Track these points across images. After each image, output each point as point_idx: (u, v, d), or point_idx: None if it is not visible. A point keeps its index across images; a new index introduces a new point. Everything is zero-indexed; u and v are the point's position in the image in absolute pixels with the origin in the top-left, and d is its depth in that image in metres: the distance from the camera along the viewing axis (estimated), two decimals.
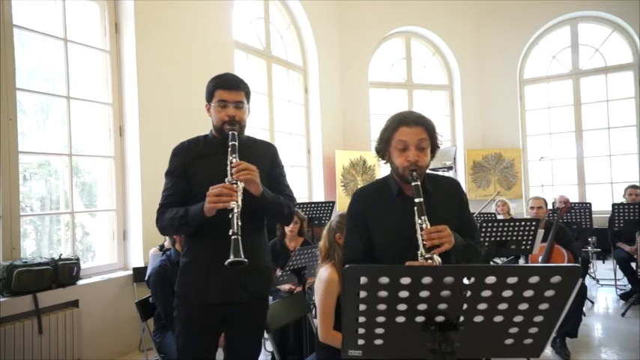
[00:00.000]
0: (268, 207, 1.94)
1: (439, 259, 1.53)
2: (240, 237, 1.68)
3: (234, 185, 1.77)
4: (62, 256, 3.39)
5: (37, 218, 3.88)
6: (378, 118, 8.19)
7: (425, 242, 1.54)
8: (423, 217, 1.58)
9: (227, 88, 1.96)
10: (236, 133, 1.90)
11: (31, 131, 3.87)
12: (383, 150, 1.79)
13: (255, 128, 6.07)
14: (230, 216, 1.70)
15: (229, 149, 1.85)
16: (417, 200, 1.61)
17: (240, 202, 1.73)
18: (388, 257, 1.70)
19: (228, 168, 1.81)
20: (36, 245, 3.86)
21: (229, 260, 1.63)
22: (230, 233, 1.68)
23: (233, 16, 5.41)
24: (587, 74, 8.19)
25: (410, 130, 1.69)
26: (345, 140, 7.56)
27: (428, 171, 1.81)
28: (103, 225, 4.12)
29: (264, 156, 2.06)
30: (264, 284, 2.06)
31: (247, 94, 2.03)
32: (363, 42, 7.80)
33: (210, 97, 1.99)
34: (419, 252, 1.55)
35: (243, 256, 1.65)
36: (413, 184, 1.64)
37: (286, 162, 5.84)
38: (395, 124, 1.73)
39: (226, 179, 1.78)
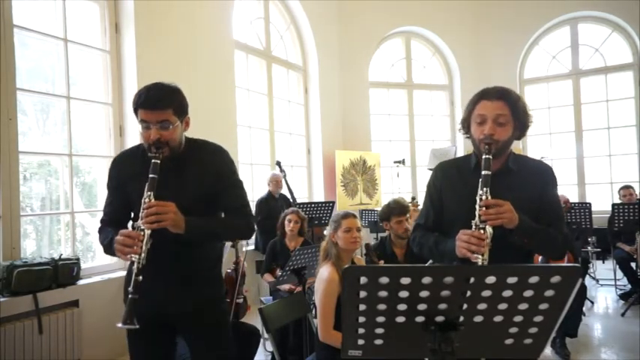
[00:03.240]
0: (204, 238, 1.76)
1: (490, 231, 1.52)
2: (136, 296, 1.53)
3: (141, 233, 1.58)
4: (62, 256, 3.38)
5: (37, 218, 3.88)
6: (378, 118, 8.20)
7: (480, 213, 1.54)
8: (485, 189, 1.57)
9: (147, 108, 1.68)
10: (158, 161, 1.66)
11: (31, 131, 3.87)
12: (465, 122, 1.78)
13: (255, 128, 6.07)
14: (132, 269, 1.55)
15: (147, 183, 1.63)
16: (483, 172, 1.60)
17: (144, 254, 1.56)
18: (454, 230, 1.67)
19: (141, 209, 1.61)
20: (36, 245, 3.86)
21: (118, 325, 1.51)
22: (128, 291, 1.54)
23: (233, 16, 5.41)
24: (587, 74, 8.19)
25: (490, 104, 1.67)
26: (345, 140, 7.56)
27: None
28: None
29: (206, 168, 1.82)
30: (208, 293, 1.87)
31: (178, 108, 1.74)
32: (363, 42, 7.80)
33: (135, 114, 1.73)
34: (473, 221, 1.55)
35: (135, 323, 1.52)
36: (484, 156, 1.62)
37: (286, 162, 5.91)
38: (477, 98, 1.72)
39: (135, 223, 1.63)
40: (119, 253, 1.62)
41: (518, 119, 1.70)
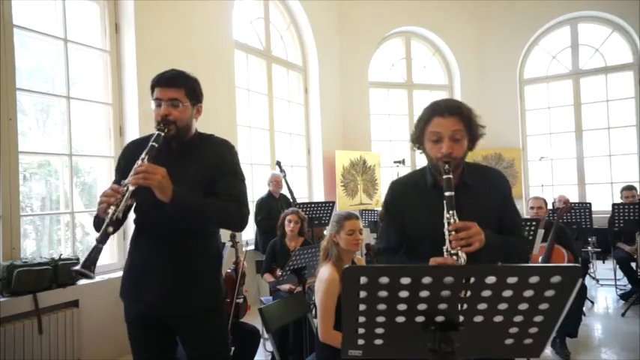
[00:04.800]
0: (190, 214, 1.72)
1: (464, 256, 1.49)
2: (102, 246, 1.52)
3: (124, 188, 1.59)
4: (62, 256, 3.38)
5: (37, 218, 3.88)
6: (378, 118, 8.20)
7: (451, 240, 1.49)
8: (451, 212, 1.53)
9: (161, 85, 1.78)
10: (162, 134, 1.71)
11: (31, 131, 3.87)
12: (418, 139, 1.72)
13: (255, 128, 6.08)
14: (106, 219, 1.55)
15: (145, 149, 1.68)
16: (447, 194, 1.55)
17: (121, 207, 1.55)
18: (420, 250, 1.65)
19: (133, 169, 1.65)
20: (36, 245, 3.86)
21: (74, 268, 1.50)
22: (95, 239, 1.53)
23: (233, 16, 5.42)
24: (587, 74, 8.20)
25: (443, 121, 1.62)
26: (345, 140, 7.56)
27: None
28: None
29: (208, 157, 1.84)
30: (205, 295, 1.84)
31: (190, 91, 1.82)
32: (363, 42, 7.80)
33: (152, 96, 1.83)
34: (444, 247, 1.51)
35: (92, 271, 1.49)
36: (444, 177, 1.58)
37: (286, 162, 5.91)
38: (428, 115, 1.66)
39: (122, 181, 1.65)
40: (99, 207, 1.59)
41: (471, 132, 1.66)
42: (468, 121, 1.64)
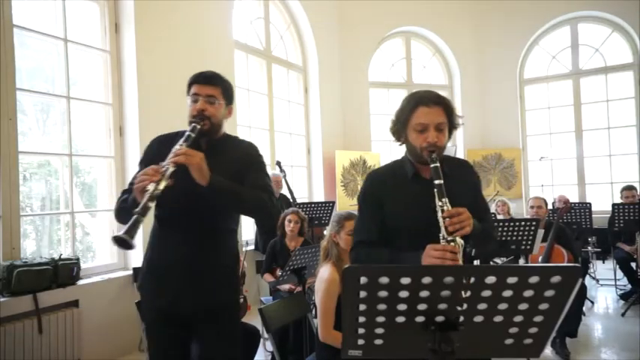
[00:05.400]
0: (225, 199, 1.77)
1: (462, 242, 1.50)
2: (141, 218, 1.54)
3: (164, 169, 1.64)
4: (62, 256, 3.38)
5: (37, 218, 3.88)
6: (378, 118, 8.20)
7: (447, 226, 1.50)
8: (443, 200, 1.54)
9: (200, 82, 1.88)
10: (198, 126, 1.79)
11: (31, 131, 3.87)
12: (399, 131, 1.73)
13: (255, 128, 6.08)
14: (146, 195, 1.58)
15: (182, 137, 1.75)
16: (436, 182, 1.57)
17: (161, 186, 1.59)
18: (405, 241, 1.65)
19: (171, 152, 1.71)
20: (36, 245, 3.86)
21: (115, 234, 1.52)
22: (135, 212, 1.55)
23: (233, 16, 5.42)
24: (587, 74, 8.19)
25: (429, 111, 1.64)
26: (345, 140, 7.56)
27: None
28: (103, 225, 4.12)
29: (234, 157, 1.92)
30: (226, 292, 1.90)
31: (225, 91, 1.91)
32: (363, 42, 7.80)
33: (188, 93, 1.92)
34: (440, 235, 1.52)
35: (132, 240, 1.49)
36: (432, 165, 1.59)
37: (286, 162, 5.91)
38: (413, 104, 1.66)
39: (161, 163, 1.68)
40: (137, 184, 1.62)
41: (451, 123, 1.70)
42: (450, 112, 1.68)
